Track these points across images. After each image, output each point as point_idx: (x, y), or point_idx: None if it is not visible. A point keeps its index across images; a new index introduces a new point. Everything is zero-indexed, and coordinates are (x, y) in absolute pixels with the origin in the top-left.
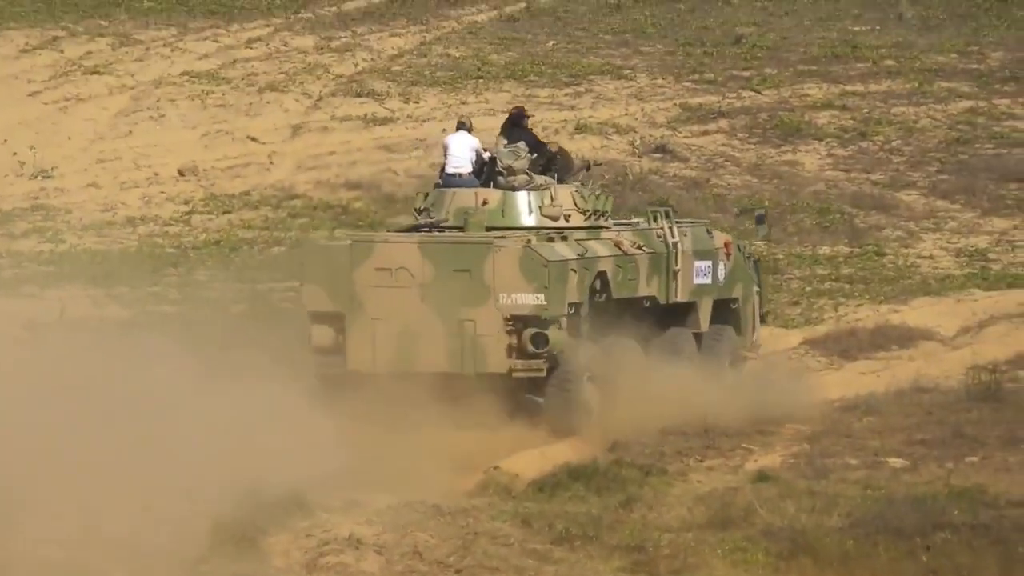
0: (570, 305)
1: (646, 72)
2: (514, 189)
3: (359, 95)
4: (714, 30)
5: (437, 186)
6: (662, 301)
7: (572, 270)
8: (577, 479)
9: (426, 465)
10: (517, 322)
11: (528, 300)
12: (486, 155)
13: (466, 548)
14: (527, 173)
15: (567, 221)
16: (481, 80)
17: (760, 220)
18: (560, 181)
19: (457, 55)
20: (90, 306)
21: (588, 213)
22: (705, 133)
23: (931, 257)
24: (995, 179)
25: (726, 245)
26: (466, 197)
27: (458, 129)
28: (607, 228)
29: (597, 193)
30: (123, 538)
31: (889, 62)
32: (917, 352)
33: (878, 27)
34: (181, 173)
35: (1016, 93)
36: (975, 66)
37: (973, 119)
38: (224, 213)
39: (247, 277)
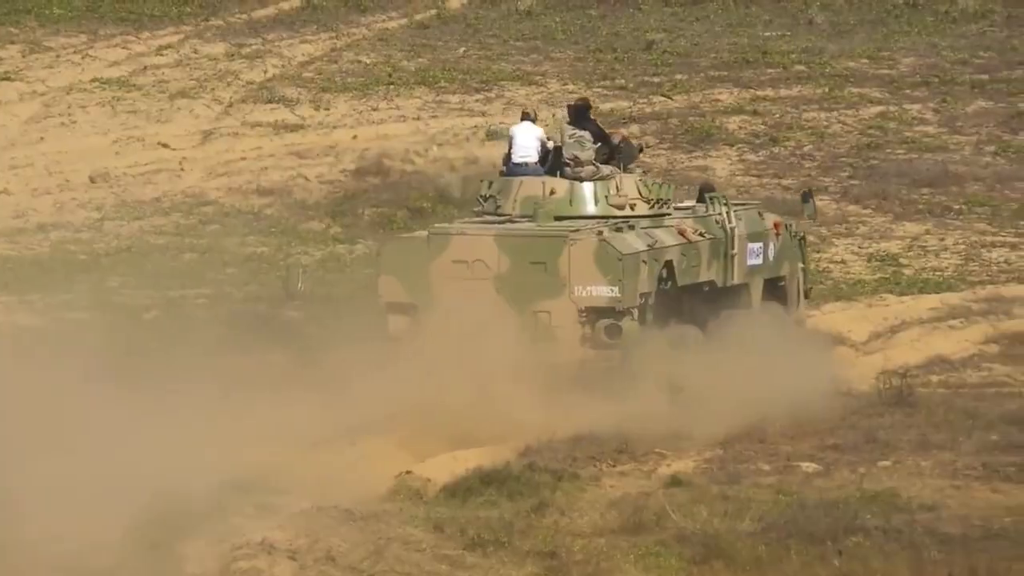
0: (641, 295)
1: (557, 78)
2: (581, 179)
3: (270, 101)
4: (625, 36)
5: (502, 174)
6: (719, 285)
7: (643, 261)
8: (489, 484)
9: (339, 469)
10: (591, 313)
11: (603, 292)
12: (550, 144)
13: (378, 553)
14: (593, 163)
15: (632, 210)
16: (392, 86)
17: (806, 198)
18: (624, 170)
19: (368, 62)
20: (2, 312)
21: (652, 202)
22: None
23: (843, 262)
24: (906, 184)
25: (776, 226)
26: (533, 186)
27: (523, 120)
28: (669, 216)
29: (659, 182)
30: (35, 546)
31: (800, 68)
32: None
33: (788, 33)
34: (92, 180)
35: (926, 98)
36: (886, 71)
37: (884, 124)
38: (135, 219)
39: (159, 284)
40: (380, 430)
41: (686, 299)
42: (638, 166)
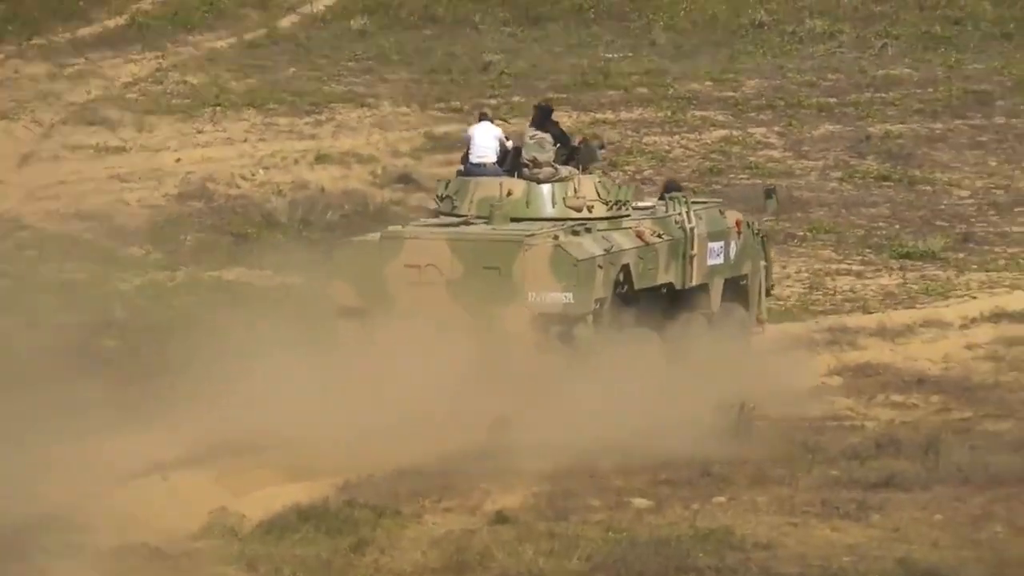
0: (596, 301)
1: (390, 100)
2: (538, 180)
3: (92, 123)
4: (461, 57)
5: (459, 174)
6: (678, 287)
7: (599, 266)
8: (307, 520)
9: (150, 505)
10: (545, 320)
11: (557, 299)
12: (509, 144)
13: None
14: (552, 165)
15: (590, 212)
16: (219, 108)
17: (769, 195)
18: (583, 172)
19: (195, 82)
20: None
21: (610, 203)
22: (450, 163)
23: None
24: (749, 210)
25: (737, 224)
26: (490, 187)
27: (481, 120)
28: (628, 217)
29: (619, 183)
30: None
31: (642, 90)
32: None
33: (631, 54)
34: None
35: (771, 122)
36: (730, 94)
37: (727, 148)
38: None
39: None
40: (196, 464)
41: (645, 301)
42: (599, 167)
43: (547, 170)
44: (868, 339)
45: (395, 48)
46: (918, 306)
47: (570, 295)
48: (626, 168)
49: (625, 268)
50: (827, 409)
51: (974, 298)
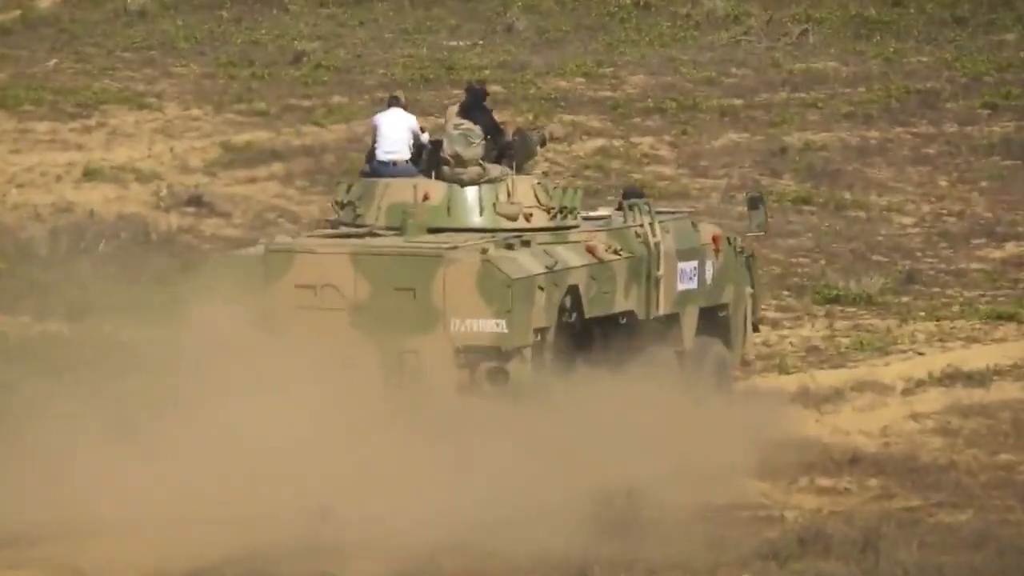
0: (536, 331)
1: (177, 100)
2: (462, 182)
3: None
4: (266, 45)
5: (364, 174)
6: (641, 316)
7: (539, 288)
8: None
9: None
10: (472, 354)
11: (486, 327)
12: (425, 137)
13: None
14: (479, 163)
15: (527, 221)
16: None
17: (754, 205)
18: (518, 170)
19: None
20: None
21: (553, 211)
22: (253, 180)
23: None
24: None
25: (715, 240)
26: (402, 190)
27: (390, 106)
28: (576, 228)
29: (564, 186)
30: None
31: (496, 88)
32: None
33: (481, 42)
34: None
35: (660, 129)
36: (607, 94)
37: (605, 163)
38: None
39: None
40: None
41: (599, 334)
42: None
43: (473, 169)
44: (785, 407)
45: (183, 33)
46: (850, 364)
47: (503, 323)
48: None
49: (573, 291)
50: (737, 495)
51: (921, 354)
